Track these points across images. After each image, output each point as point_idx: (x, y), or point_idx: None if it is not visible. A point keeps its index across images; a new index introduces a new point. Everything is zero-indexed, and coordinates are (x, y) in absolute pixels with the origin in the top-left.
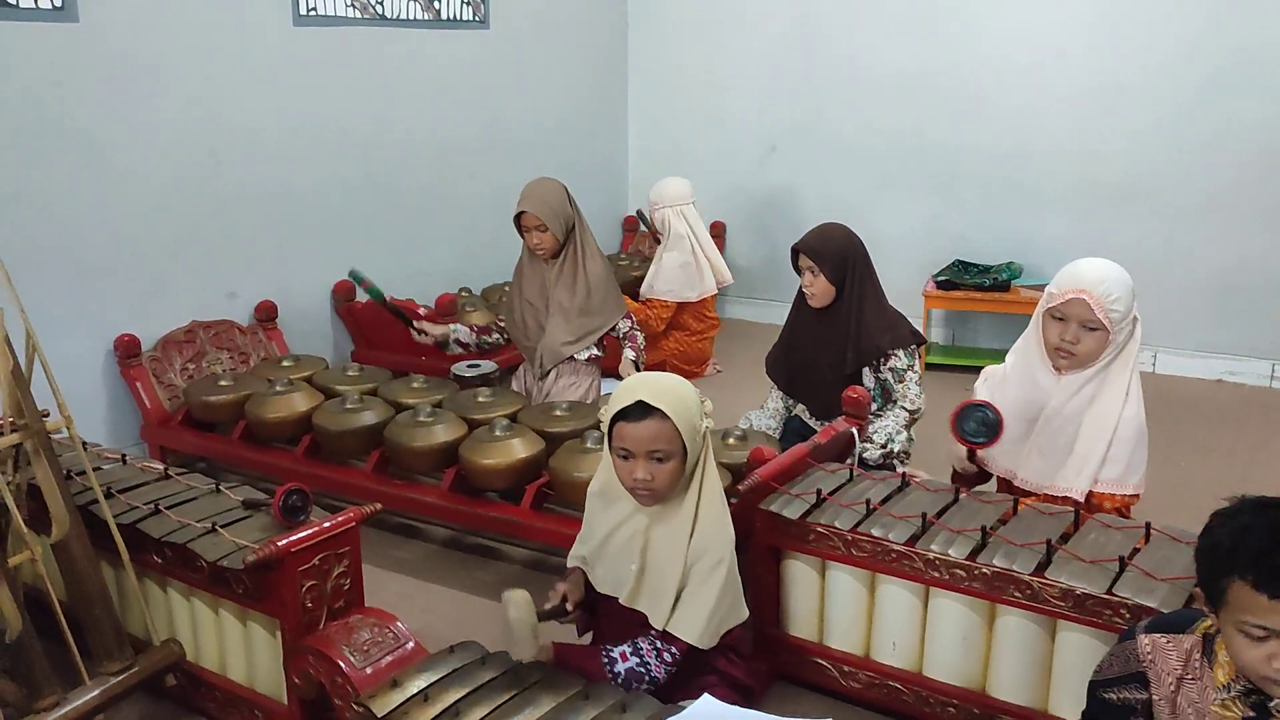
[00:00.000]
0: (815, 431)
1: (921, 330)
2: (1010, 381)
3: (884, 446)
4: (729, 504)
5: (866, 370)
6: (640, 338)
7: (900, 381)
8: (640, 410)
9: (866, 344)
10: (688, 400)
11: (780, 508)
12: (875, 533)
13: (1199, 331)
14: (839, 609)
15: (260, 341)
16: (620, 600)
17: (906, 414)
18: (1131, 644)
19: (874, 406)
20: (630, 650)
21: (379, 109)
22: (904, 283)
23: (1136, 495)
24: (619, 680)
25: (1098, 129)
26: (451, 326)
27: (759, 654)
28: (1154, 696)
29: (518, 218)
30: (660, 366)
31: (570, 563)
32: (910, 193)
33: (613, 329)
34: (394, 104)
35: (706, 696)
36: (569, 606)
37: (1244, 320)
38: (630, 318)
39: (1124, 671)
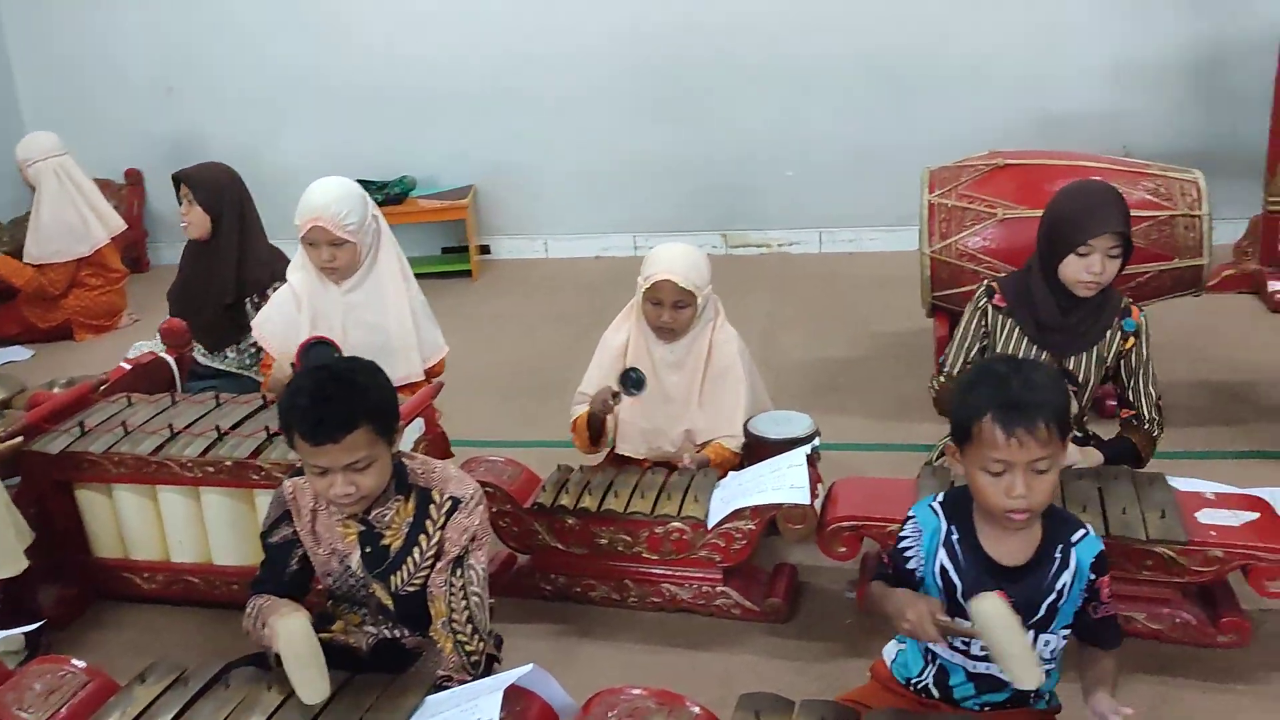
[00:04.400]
0: (209, 369)
1: None
2: (303, 301)
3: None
4: None
5: (249, 303)
6: None
7: None
8: None
9: (249, 277)
10: None
11: (44, 445)
12: (125, 449)
13: (579, 216)
14: (130, 523)
15: None
16: None
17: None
18: (280, 489)
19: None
20: None
21: None
22: None
23: (442, 359)
24: None
25: (457, 45)
26: None
27: (73, 582)
28: (298, 530)
29: None
30: (65, 326)
31: None
32: (314, 123)
33: None
34: None
35: None
36: None
37: (611, 202)
38: None
39: (278, 514)
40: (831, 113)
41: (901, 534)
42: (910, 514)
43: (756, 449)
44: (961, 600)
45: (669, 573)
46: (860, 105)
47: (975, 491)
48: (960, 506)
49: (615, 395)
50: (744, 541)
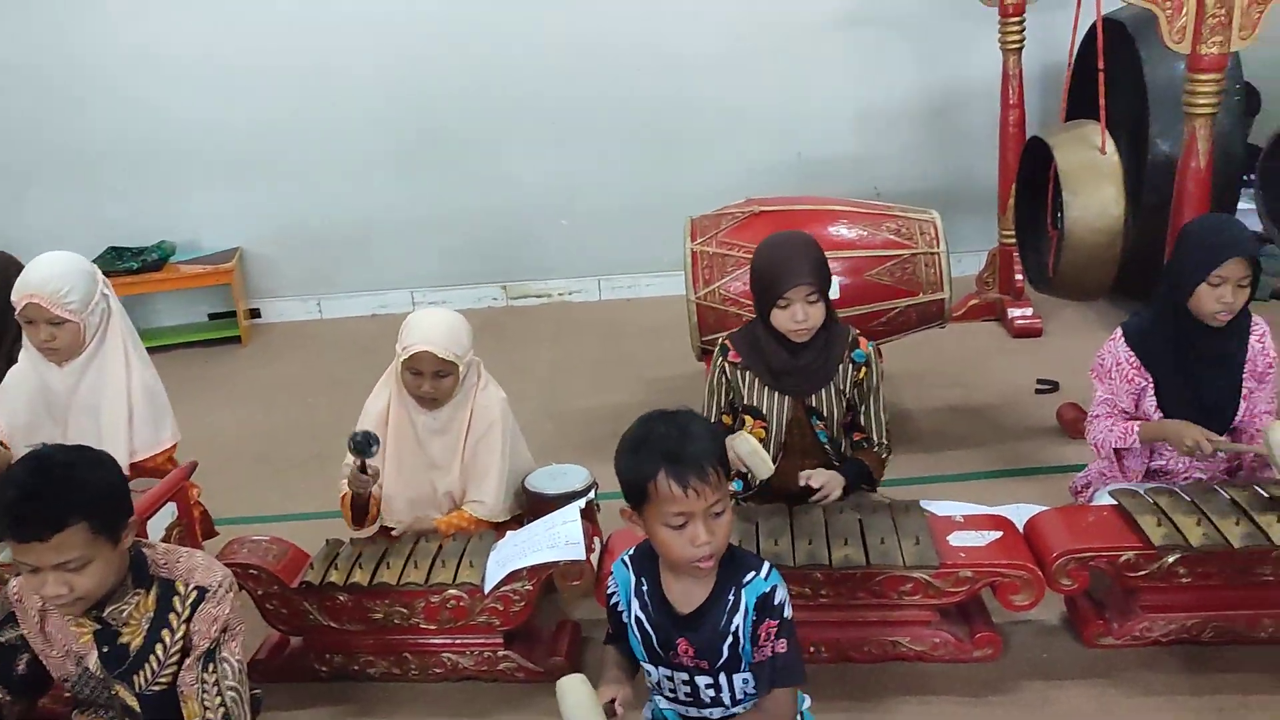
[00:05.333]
0: None
1: None
2: (24, 380)
3: None
4: None
5: None
6: None
7: None
8: None
9: None
10: None
11: None
12: None
13: (352, 274)
14: None
15: None
16: None
17: None
18: (5, 589)
19: None
20: None
21: None
22: None
23: (174, 444)
24: None
25: (215, 104)
26: None
27: None
28: (27, 632)
29: None
30: None
31: None
32: (57, 187)
33: None
34: None
35: None
36: None
37: (386, 258)
38: None
39: (1, 616)
40: (598, 163)
41: (609, 590)
42: (612, 569)
43: (535, 505)
44: (659, 649)
45: (449, 641)
46: (625, 155)
47: (660, 547)
48: (648, 558)
49: (361, 468)
50: (522, 603)
